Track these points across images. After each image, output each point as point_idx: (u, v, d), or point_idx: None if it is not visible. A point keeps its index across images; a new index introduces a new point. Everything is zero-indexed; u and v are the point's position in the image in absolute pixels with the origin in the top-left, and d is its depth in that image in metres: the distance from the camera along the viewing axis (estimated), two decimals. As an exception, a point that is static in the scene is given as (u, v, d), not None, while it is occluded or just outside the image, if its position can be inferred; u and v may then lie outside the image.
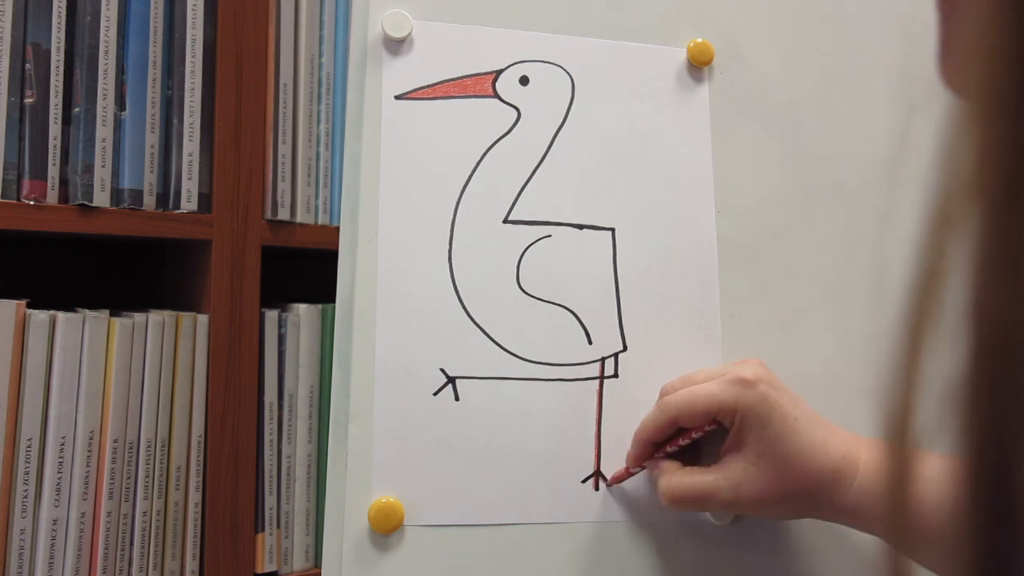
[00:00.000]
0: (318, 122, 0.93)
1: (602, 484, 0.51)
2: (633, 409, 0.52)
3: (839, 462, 0.46)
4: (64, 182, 0.78)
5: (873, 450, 0.46)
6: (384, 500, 0.48)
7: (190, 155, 0.84)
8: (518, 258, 0.53)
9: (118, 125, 0.80)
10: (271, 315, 0.88)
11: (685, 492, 0.47)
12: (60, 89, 0.78)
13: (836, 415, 0.55)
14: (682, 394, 0.48)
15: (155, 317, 0.80)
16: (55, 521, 0.74)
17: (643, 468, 0.51)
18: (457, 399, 0.50)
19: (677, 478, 0.48)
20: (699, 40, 0.57)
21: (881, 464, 0.44)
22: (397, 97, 0.53)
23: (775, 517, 0.50)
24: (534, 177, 0.54)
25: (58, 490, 0.74)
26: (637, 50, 0.57)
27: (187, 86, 0.84)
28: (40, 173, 0.76)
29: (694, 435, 0.48)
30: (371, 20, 0.54)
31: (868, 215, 0.59)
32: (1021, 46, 0.19)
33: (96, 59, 0.79)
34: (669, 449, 0.49)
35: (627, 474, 0.51)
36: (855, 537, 0.54)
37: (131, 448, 0.78)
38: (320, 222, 0.93)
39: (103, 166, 0.79)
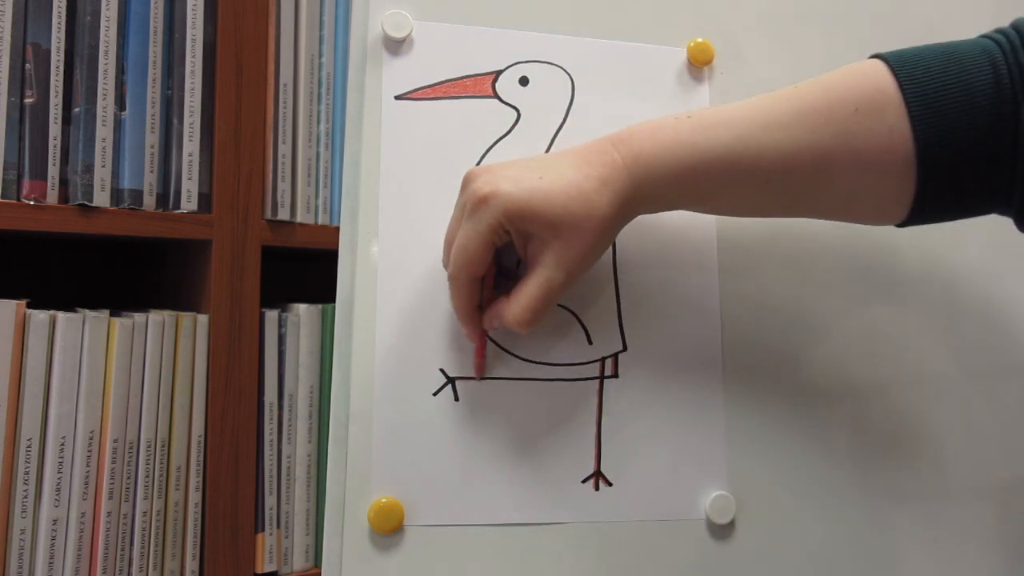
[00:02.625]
0: (318, 122, 0.93)
1: (602, 484, 0.51)
2: (633, 409, 0.52)
3: (603, 177, 0.45)
4: (64, 182, 0.78)
5: (628, 145, 0.46)
6: (384, 500, 0.48)
7: (190, 155, 0.84)
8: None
9: (118, 125, 0.80)
10: (271, 315, 0.88)
11: (528, 306, 0.46)
12: (60, 89, 0.78)
13: (836, 414, 0.55)
14: (455, 256, 0.47)
15: (155, 317, 0.80)
16: (55, 521, 0.74)
17: (484, 338, 0.50)
18: (457, 399, 0.51)
19: (515, 303, 0.46)
20: (699, 40, 0.57)
21: (646, 153, 0.45)
22: (397, 97, 0.53)
23: (594, 256, 0.48)
24: (534, 177, 0.54)
25: (58, 490, 0.74)
26: (637, 50, 0.57)
27: (187, 86, 0.84)
28: (40, 173, 0.76)
29: (493, 275, 0.49)
30: (371, 20, 0.54)
31: (868, 215, 0.59)
32: None
33: (96, 59, 0.79)
34: (487, 301, 0.49)
35: (480, 352, 0.50)
36: (854, 538, 0.54)
37: (131, 448, 0.78)
38: (320, 222, 0.93)
39: (103, 166, 0.79)
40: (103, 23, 0.79)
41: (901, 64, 0.43)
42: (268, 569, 0.87)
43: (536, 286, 0.46)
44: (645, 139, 0.46)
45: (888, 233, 0.59)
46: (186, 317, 0.82)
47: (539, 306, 0.46)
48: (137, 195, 0.81)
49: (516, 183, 0.45)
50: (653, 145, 0.45)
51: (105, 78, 0.79)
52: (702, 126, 0.45)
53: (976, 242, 0.60)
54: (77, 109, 0.78)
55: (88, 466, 0.76)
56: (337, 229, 0.53)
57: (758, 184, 0.45)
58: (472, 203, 0.46)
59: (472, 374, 0.51)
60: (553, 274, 0.46)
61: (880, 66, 0.44)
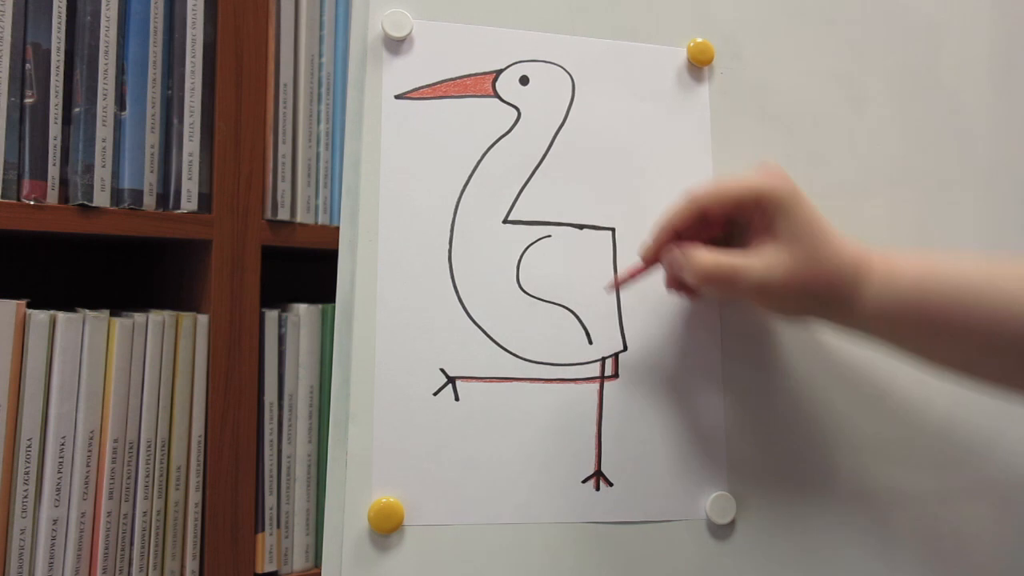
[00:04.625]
0: (318, 122, 0.93)
1: (602, 484, 0.51)
2: (633, 409, 0.52)
3: (859, 255, 0.47)
4: (64, 182, 0.78)
5: (883, 252, 0.47)
6: (384, 500, 0.48)
7: (190, 155, 0.84)
8: (518, 258, 0.53)
9: (118, 125, 0.80)
10: (271, 315, 0.88)
11: (719, 266, 0.47)
12: (60, 89, 0.78)
13: (837, 414, 0.55)
14: (711, 183, 0.48)
15: (155, 317, 0.80)
16: (55, 521, 0.74)
17: (657, 263, 0.50)
18: (457, 399, 0.50)
19: (710, 254, 0.47)
20: (699, 40, 0.57)
21: (899, 261, 0.45)
22: (397, 97, 0.53)
23: (795, 310, 0.49)
24: (534, 177, 0.54)
25: (58, 490, 0.74)
26: (637, 50, 0.57)
27: (187, 86, 0.84)
28: (40, 173, 0.76)
29: (719, 230, 0.49)
30: (371, 20, 0.54)
31: (868, 215, 0.59)
32: None
33: (96, 59, 0.79)
34: (685, 246, 0.49)
35: (641, 269, 0.51)
36: (854, 538, 0.54)
37: (131, 448, 0.78)
38: (320, 222, 0.93)
39: (103, 166, 0.79)
40: (103, 23, 0.79)
41: None
42: (268, 569, 0.87)
43: (736, 261, 0.47)
44: (900, 252, 0.47)
45: (888, 235, 0.59)
46: (186, 317, 0.82)
47: (722, 275, 0.47)
48: (137, 195, 0.81)
49: (804, 193, 0.47)
50: (907, 258, 0.46)
51: (105, 78, 0.79)
52: (956, 261, 0.46)
53: (980, 249, 0.60)
54: (77, 109, 0.78)
55: (88, 466, 0.76)
56: (337, 229, 0.53)
57: (1002, 331, 0.43)
58: (765, 169, 0.47)
59: (472, 374, 0.51)
60: (757, 267, 0.46)
61: None
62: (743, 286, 0.47)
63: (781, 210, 0.46)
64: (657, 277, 0.54)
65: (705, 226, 0.49)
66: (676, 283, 0.52)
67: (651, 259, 0.51)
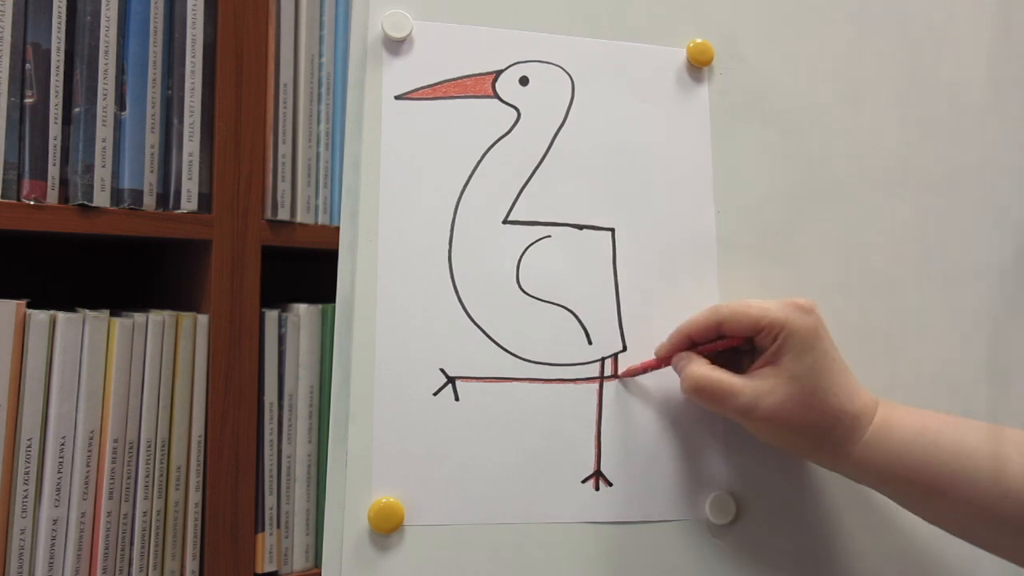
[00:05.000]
0: (318, 122, 0.93)
1: (602, 484, 0.51)
2: (633, 409, 0.52)
3: (860, 409, 0.47)
4: (64, 182, 0.78)
5: (887, 408, 0.47)
6: (384, 500, 0.48)
7: (190, 155, 0.84)
8: (518, 258, 0.53)
9: (118, 125, 0.80)
10: (271, 315, 0.88)
11: (709, 382, 0.48)
12: (60, 89, 0.78)
13: (836, 415, 0.55)
14: (736, 302, 0.49)
15: (155, 317, 0.80)
16: (55, 521, 0.74)
17: (667, 364, 0.51)
18: (457, 399, 0.51)
19: (705, 369, 0.48)
20: (699, 40, 0.57)
21: (897, 422, 0.45)
22: (397, 97, 0.53)
23: (780, 444, 0.49)
24: (534, 177, 0.54)
25: (58, 490, 0.74)
26: (637, 50, 0.57)
27: (187, 86, 0.84)
28: (40, 173, 0.76)
29: (732, 344, 0.49)
30: (371, 20, 0.54)
31: (868, 215, 0.59)
32: None
33: (96, 59, 0.79)
34: (701, 349, 0.50)
35: (652, 365, 0.51)
36: (854, 538, 0.54)
37: (131, 448, 0.78)
38: (320, 222, 0.93)
39: (103, 166, 0.79)
40: (103, 23, 0.79)
41: None
42: (268, 569, 0.87)
43: (729, 381, 0.47)
44: (903, 408, 0.48)
45: (887, 233, 0.59)
46: (186, 317, 0.82)
47: (711, 391, 0.48)
48: (137, 195, 0.81)
49: (828, 334, 0.48)
50: (906, 414, 0.47)
51: (105, 78, 0.79)
52: (957, 422, 0.46)
53: (981, 249, 0.60)
54: (77, 109, 0.78)
55: (88, 466, 0.76)
56: (337, 229, 0.53)
57: (994, 500, 0.43)
58: (793, 302, 0.48)
59: (472, 374, 0.51)
60: (747, 393, 0.47)
61: None
62: (730, 408, 0.48)
63: (795, 348, 0.46)
64: (656, 276, 0.54)
65: (726, 341, 0.50)
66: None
67: (663, 359, 0.52)
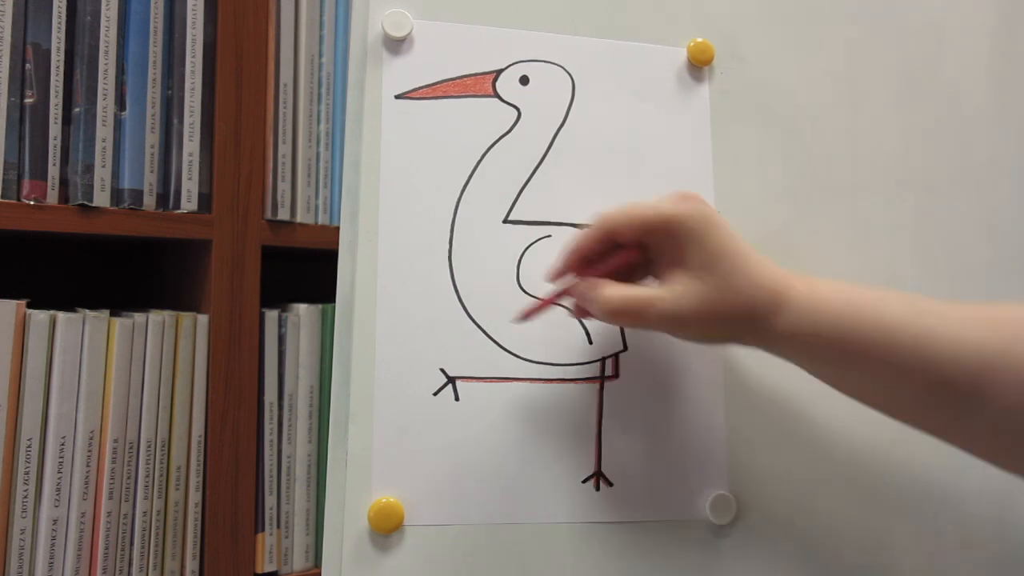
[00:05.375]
0: (318, 122, 0.93)
1: (602, 484, 0.51)
2: (633, 409, 0.52)
3: (778, 282, 0.45)
4: (64, 182, 0.78)
5: (808, 279, 0.46)
6: (384, 500, 0.48)
7: (190, 155, 0.84)
8: (518, 258, 0.53)
9: (118, 125, 0.80)
10: (271, 315, 0.88)
11: (626, 300, 0.46)
12: (60, 89, 0.78)
13: (837, 414, 0.55)
14: (622, 207, 0.47)
15: (155, 317, 0.80)
16: (55, 521, 0.74)
17: (564, 292, 0.49)
18: (457, 399, 0.50)
19: (617, 288, 0.46)
20: (699, 40, 0.57)
21: (822, 294, 0.45)
22: (397, 96, 0.53)
23: (709, 338, 0.48)
24: (534, 177, 0.54)
25: (58, 490, 0.74)
26: (637, 50, 0.57)
27: (187, 86, 0.84)
28: (40, 173, 0.76)
29: (629, 257, 0.47)
30: (371, 20, 0.54)
31: (868, 215, 0.59)
32: None
33: (96, 59, 0.79)
34: (599, 271, 0.48)
35: (551, 300, 0.49)
36: (854, 538, 0.54)
37: (131, 448, 0.78)
38: (320, 222, 0.93)
39: (103, 166, 0.79)
40: (103, 23, 0.79)
41: None
42: (268, 569, 0.87)
43: (644, 293, 0.46)
44: (826, 281, 0.46)
45: (888, 235, 0.59)
46: (186, 317, 0.82)
47: (631, 309, 0.46)
48: (137, 195, 0.81)
49: (716, 214, 0.46)
50: (831, 287, 0.46)
51: (105, 78, 0.79)
52: (882, 295, 0.45)
53: (981, 249, 0.60)
54: (77, 109, 0.78)
55: (88, 466, 0.76)
56: (337, 229, 0.53)
57: (915, 371, 0.43)
58: (680, 194, 0.47)
59: (472, 374, 0.51)
60: (666, 299, 0.45)
61: None
62: (653, 319, 0.46)
63: (691, 238, 0.45)
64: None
65: (622, 253, 0.48)
66: (584, 312, 0.50)
67: (561, 275, 0.49)
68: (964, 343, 0.42)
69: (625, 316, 0.46)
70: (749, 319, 0.45)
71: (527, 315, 0.50)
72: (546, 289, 0.52)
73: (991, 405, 0.41)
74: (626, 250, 0.47)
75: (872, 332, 0.44)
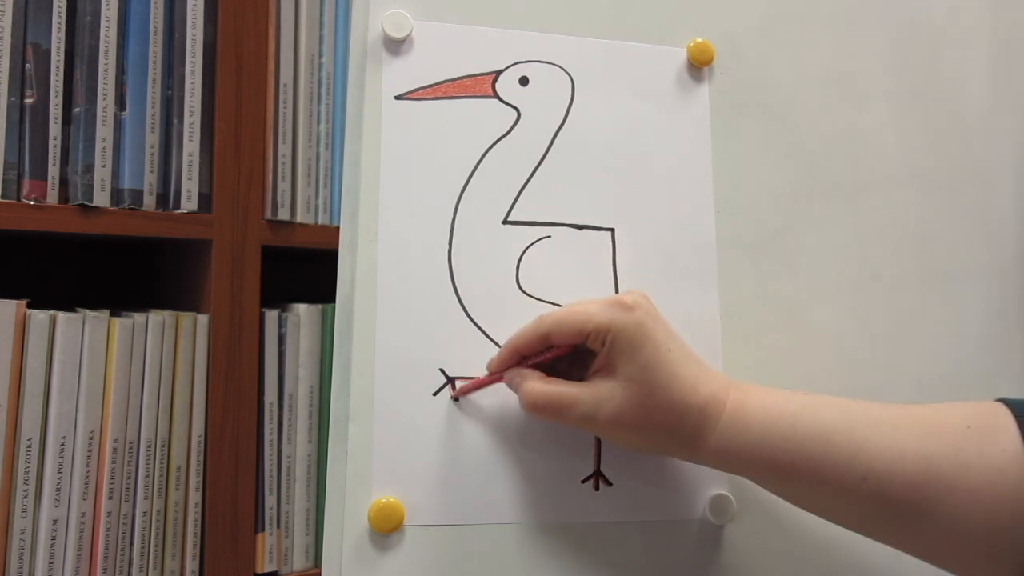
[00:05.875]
0: (318, 122, 0.93)
1: (602, 484, 0.51)
2: (633, 409, 0.52)
3: (706, 400, 0.45)
4: (64, 182, 0.78)
5: (740, 391, 0.46)
6: (384, 500, 0.48)
7: (190, 155, 0.84)
8: (518, 258, 0.53)
9: (118, 125, 0.80)
10: (271, 315, 0.88)
11: (547, 398, 0.46)
12: (60, 89, 0.78)
13: (836, 415, 0.55)
14: (559, 310, 0.48)
15: (155, 317, 0.80)
16: (55, 521, 0.74)
17: (500, 379, 0.50)
18: (457, 399, 0.51)
19: (540, 384, 0.47)
20: (699, 40, 0.57)
21: (752, 408, 0.44)
22: (397, 97, 0.53)
23: (632, 446, 0.48)
24: (534, 177, 0.54)
25: (58, 490, 0.74)
26: (637, 50, 0.57)
27: (187, 86, 0.84)
28: (40, 173, 0.76)
29: (559, 353, 0.48)
30: (371, 20, 0.54)
31: (868, 215, 0.59)
32: None
33: (96, 59, 0.79)
34: (532, 362, 0.49)
35: (484, 382, 0.50)
36: (854, 538, 0.54)
37: (131, 448, 0.78)
38: (320, 222, 0.93)
39: (103, 166, 0.79)
40: (103, 23, 0.79)
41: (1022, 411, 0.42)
42: (268, 569, 0.87)
43: (566, 393, 0.46)
44: (757, 392, 0.46)
45: (887, 233, 0.59)
46: (186, 317, 0.82)
47: (549, 406, 0.46)
48: (137, 195, 0.81)
49: (657, 324, 0.46)
50: (760, 400, 0.45)
51: (105, 78, 0.79)
52: (813, 403, 0.45)
53: (981, 249, 0.60)
54: (77, 109, 0.78)
55: (88, 466, 0.76)
56: (337, 229, 0.53)
57: (853, 482, 0.42)
58: (617, 301, 0.46)
59: (472, 374, 0.51)
60: (587, 401, 0.46)
61: (999, 405, 0.42)
62: (573, 419, 0.46)
63: (620, 347, 0.45)
64: (656, 276, 0.54)
65: (553, 350, 0.48)
66: None
67: (495, 375, 0.50)
68: (903, 449, 0.41)
69: (545, 412, 0.47)
70: (671, 434, 0.45)
71: (460, 394, 0.50)
72: (544, 290, 0.52)
73: (938, 513, 0.41)
74: (556, 349, 0.48)
75: (804, 445, 0.43)
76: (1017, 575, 0.40)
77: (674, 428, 0.45)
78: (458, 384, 0.51)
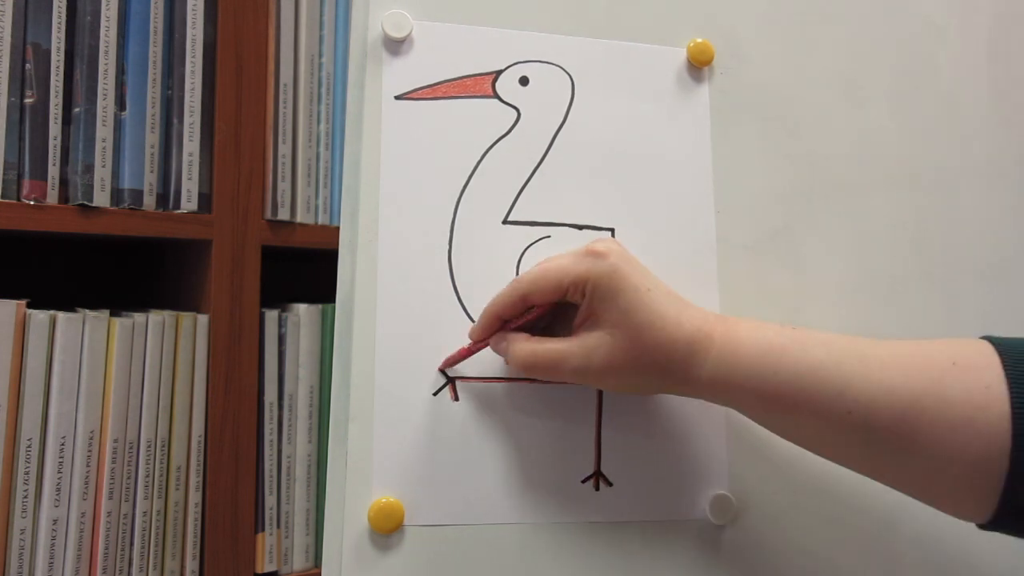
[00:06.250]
0: (318, 122, 0.93)
1: (602, 484, 0.51)
2: (633, 409, 0.52)
3: (693, 334, 0.45)
4: (64, 182, 0.78)
5: (728, 324, 0.46)
6: (384, 500, 0.48)
7: (190, 155, 0.84)
8: (518, 258, 0.53)
9: (118, 125, 0.80)
10: (271, 315, 0.88)
11: (537, 357, 0.47)
12: (60, 89, 0.78)
13: (836, 415, 0.55)
14: (534, 269, 0.48)
15: (155, 317, 0.80)
16: (55, 521, 0.74)
17: (486, 344, 0.50)
18: (457, 399, 0.51)
19: (529, 344, 0.47)
20: (699, 40, 0.57)
21: (742, 341, 0.45)
22: (397, 97, 0.53)
23: (629, 389, 0.48)
24: (534, 177, 0.54)
25: (58, 490, 0.74)
26: (637, 50, 0.57)
27: (187, 86, 0.84)
28: (40, 173, 0.76)
29: (541, 312, 0.48)
30: (371, 20, 0.54)
31: (868, 215, 0.59)
32: None
33: (96, 59, 0.79)
34: (515, 325, 0.49)
35: (469, 351, 0.50)
36: (854, 538, 0.54)
37: (131, 448, 0.78)
38: (320, 222, 0.93)
39: (103, 166, 0.79)
40: (103, 23, 0.79)
41: (1008, 346, 0.42)
42: (268, 569, 0.87)
43: (555, 350, 0.47)
44: (746, 325, 0.46)
45: (887, 233, 0.59)
46: (186, 317, 0.82)
47: (540, 364, 0.47)
48: (137, 195, 0.81)
49: (633, 267, 0.46)
50: (750, 332, 0.45)
51: (105, 78, 0.79)
52: (802, 337, 0.45)
53: (981, 249, 0.60)
54: (77, 109, 0.78)
55: (88, 466, 0.76)
56: (337, 229, 0.53)
57: (839, 415, 0.43)
58: (589, 250, 0.47)
59: (472, 374, 0.51)
60: (577, 353, 0.46)
61: (985, 343, 0.43)
62: (565, 373, 0.47)
63: (600, 296, 0.45)
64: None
65: (533, 311, 0.48)
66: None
67: (480, 337, 0.50)
68: (889, 385, 0.42)
69: (537, 370, 0.48)
70: (664, 371, 0.46)
71: (446, 364, 0.50)
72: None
73: (921, 447, 0.41)
74: (537, 308, 0.48)
75: (792, 379, 0.43)
76: (994, 508, 0.40)
77: (665, 365, 0.45)
78: (459, 385, 0.51)
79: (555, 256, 0.48)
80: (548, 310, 0.48)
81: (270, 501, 0.87)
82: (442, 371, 0.51)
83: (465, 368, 0.51)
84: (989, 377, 0.41)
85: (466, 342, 0.50)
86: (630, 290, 0.45)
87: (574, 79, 0.56)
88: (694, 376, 0.46)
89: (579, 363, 0.46)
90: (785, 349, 0.44)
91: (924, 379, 0.42)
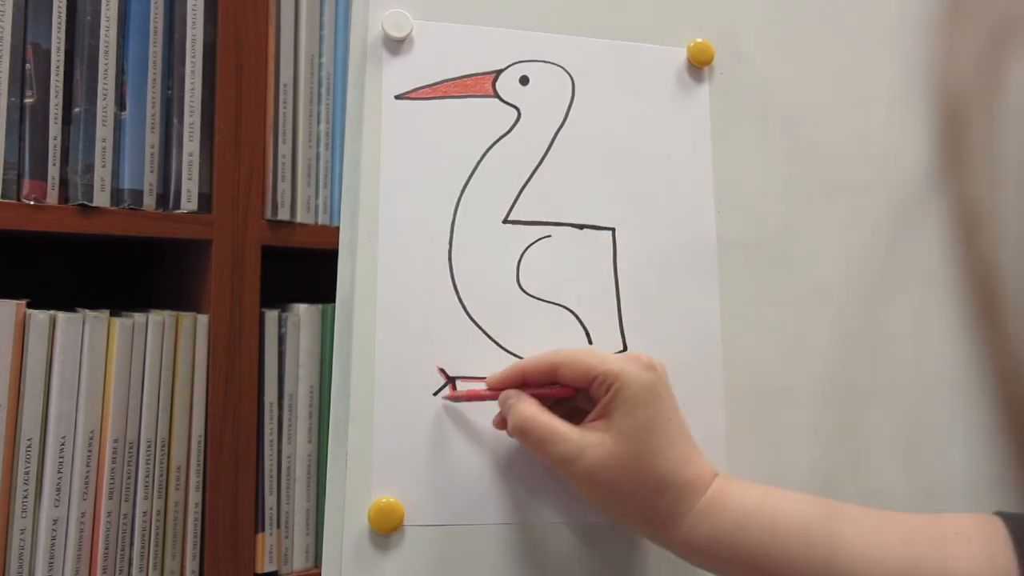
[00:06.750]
0: (318, 122, 0.93)
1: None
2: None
3: (690, 479, 0.44)
4: (64, 182, 0.78)
5: (723, 480, 0.45)
6: (384, 500, 0.48)
7: (190, 155, 0.84)
8: (518, 258, 0.53)
9: (118, 125, 0.80)
10: (271, 315, 0.88)
11: (534, 424, 0.45)
12: (60, 89, 0.78)
13: (837, 415, 0.55)
14: (576, 348, 0.47)
15: (155, 317, 0.80)
16: (55, 521, 0.74)
17: (494, 397, 0.49)
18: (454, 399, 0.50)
19: (533, 409, 0.46)
20: (699, 40, 0.57)
21: (732, 496, 0.43)
22: (397, 97, 0.53)
23: (604, 508, 0.46)
24: (534, 177, 0.54)
25: (58, 490, 0.74)
26: (637, 50, 0.57)
27: (187, 86, 0.84)
28: (40, 173, 0.76)
29: (562, 393, 0.47)
30: (371, 20, 0.54)
31: (868, 214, 0.59)
32: None
33: (96, 59, 0.79)
34: (532, 392, 0.48)
35: (480, 396, 0.49)
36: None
37: (131, 448, 0.78)
38: (320, 222, 0.93)
39: (103, 166, 0.79)
40: (103, 23, 0.79)
41: (1017, 518, 0.41)
42: (268, 569, 0.87)
43: (554, 428, 0.45)
44: (741, 482, 0.45)
45: (887, 233, 0.59)
46: (186, 317, 0.82)
47: (534, 433, 0.45)
48: (137, 195, 0.81)
49: (668, 394, 0.45)
50: (744, 488, 0.44)
51: (105, 78, 0.79)
52: (796, 496, 0.44)
53: (981, 249, 0.60)
54: (77, 109, 0.78)
55: (88, 466, 0.76)
56: (337, 229, 0.53)
57: None
58: (638, 356, 0.46)
59: (472, 374, 0.51)
60: (573, 441, 0.44)
61: (988, 515, 0.41)
62: (551, 454, 0.45)
63: (623, 399, 0.44)
64: (656, 276, 0.54)
65: (556, 387, 0.48)
66: (501, 424, 0.49)
67: (493, 391, 0.49)
68: (885, 558, 0.40)
69: (529, 438, 0.46)
70: (646, 507, 0.44)
71: (454, 397, 0.50)
72: (544, 290, 0.52)
73: None
74: (560, 387, 0.48)
75: (783, 545, 0.42)
76: None
77: (652, 500, 0.43)
78: (459, 384, 0.51)
79: (606, 352, 0.47)
80: (568, 395, 0.48)
81: (270, 501, 0.87)
82: (443, 371, 0.51)
83: (465, 368, 0.51)
84: (995, 547, 0.39)
85: (467, 341, 0.51)
86: (653, 409, 0.44)
87: (574, 79, 0.56)
88: (672, 525, 0.43)
89: (570, 451, 0.44)
90: (776, 511, 0.43)
91: (923, 548, 0.40)
